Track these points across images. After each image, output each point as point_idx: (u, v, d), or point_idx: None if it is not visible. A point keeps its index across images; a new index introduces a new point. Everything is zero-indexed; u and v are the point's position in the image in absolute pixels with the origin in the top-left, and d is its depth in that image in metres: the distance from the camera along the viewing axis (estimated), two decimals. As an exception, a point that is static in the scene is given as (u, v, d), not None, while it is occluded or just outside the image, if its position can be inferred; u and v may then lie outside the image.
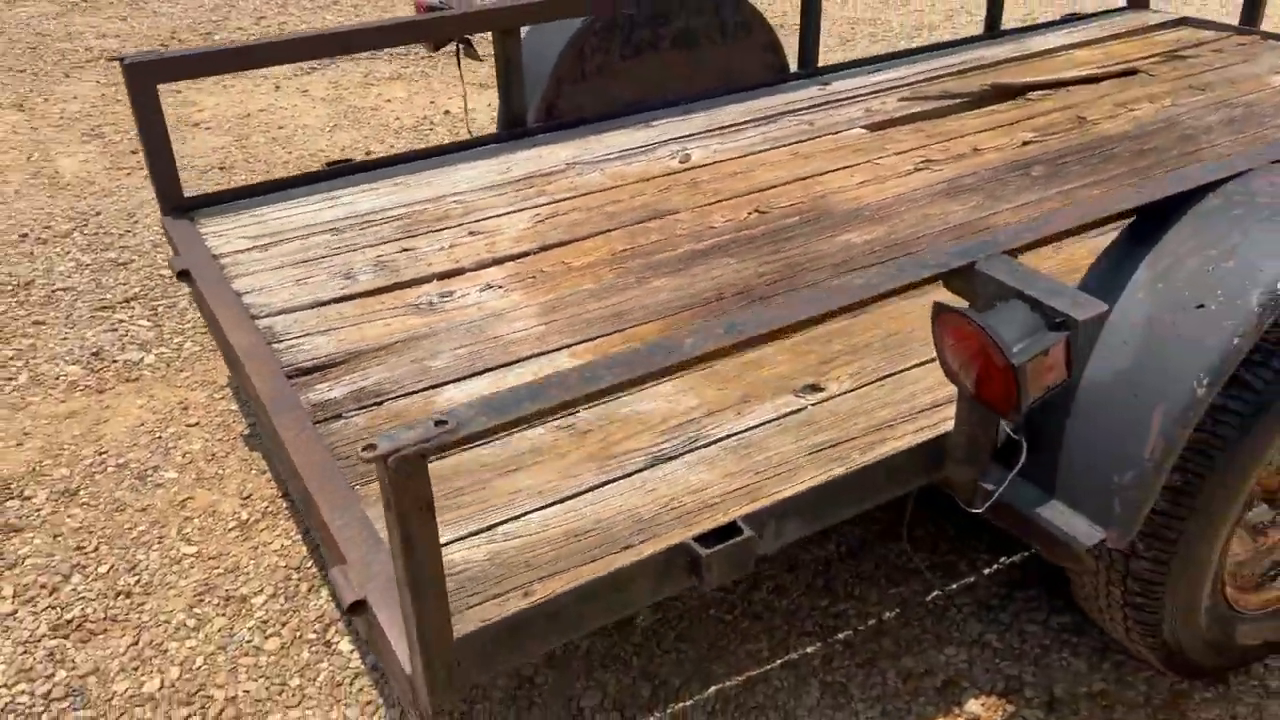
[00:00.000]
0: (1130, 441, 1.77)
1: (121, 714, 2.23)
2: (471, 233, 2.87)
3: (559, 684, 2.27)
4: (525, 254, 2.76)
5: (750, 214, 2.92)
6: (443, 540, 1.67)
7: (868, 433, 1.99)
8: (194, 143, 5.14)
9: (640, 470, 1.92)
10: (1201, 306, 1.77)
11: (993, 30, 4.23)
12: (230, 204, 3.05)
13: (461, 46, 3.31)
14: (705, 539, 1.71)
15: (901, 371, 2.17)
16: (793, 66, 3.91)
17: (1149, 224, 1.92)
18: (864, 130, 3.44)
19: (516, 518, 1.82)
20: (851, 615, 2.41)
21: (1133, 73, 3.88)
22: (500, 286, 2.61)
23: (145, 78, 2.83)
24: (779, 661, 2.30)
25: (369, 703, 2.25)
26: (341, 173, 3.21)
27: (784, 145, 3.34)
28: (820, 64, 3.90)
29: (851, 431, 2.00)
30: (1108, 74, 3.83)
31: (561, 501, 1.85)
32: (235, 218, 2.98)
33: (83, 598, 2.53)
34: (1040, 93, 3.70)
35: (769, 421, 2.03)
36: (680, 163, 3.25)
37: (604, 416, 2.07)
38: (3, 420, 3.17)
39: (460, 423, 1.33)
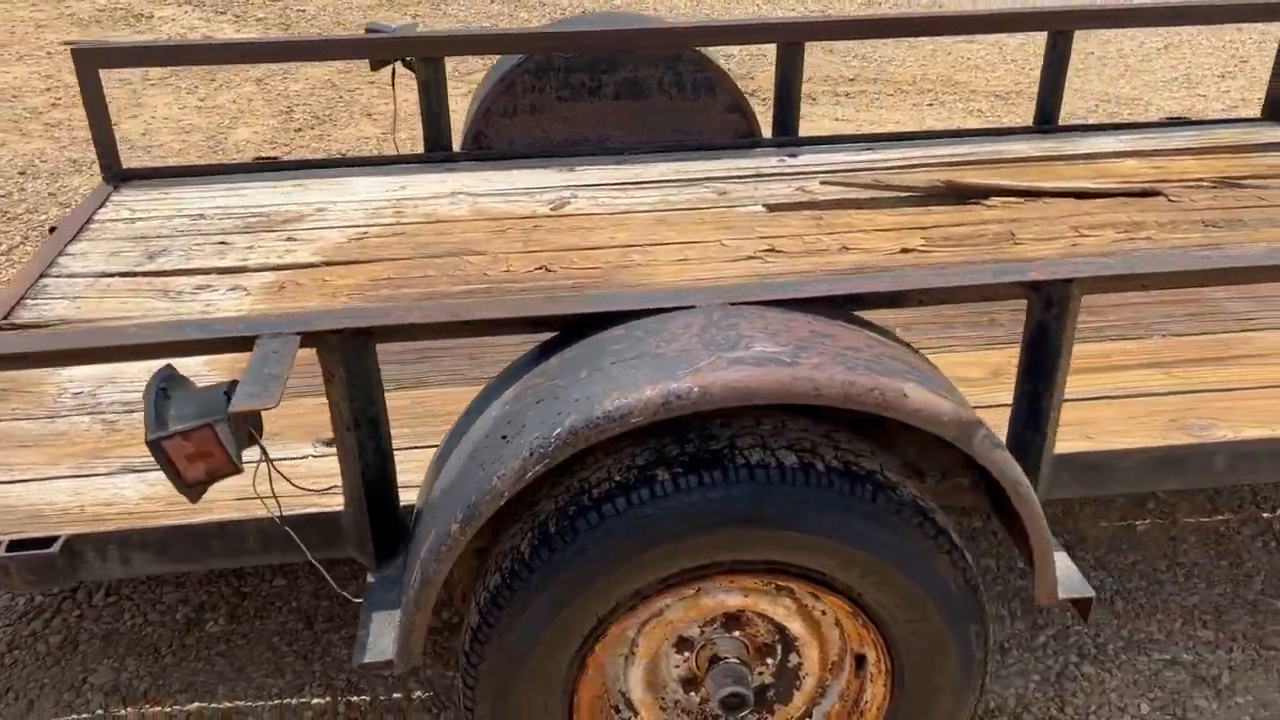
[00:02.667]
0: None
1: None
2: (291, 239, 3.07)
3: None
4: (305, 265, 2.91)
5: (536, 269, 2.87)
6: None
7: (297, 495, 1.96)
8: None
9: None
10: (505, 438, 1.59)
11: (1044, 123, 3.70)
12: (158, 180, 3.46)
13: (395, 66, 3.49)
14: (19, 544, 1.81)
15: None
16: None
17: (562, 340, 1.73)
18: (762, 209, 3.21)
19: None
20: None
21: (1152, 193, 3.26)
22: (246, 289, 2.79)
23: (90, 63, 3.30)
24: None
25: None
26: (267, 167, 3.52)
27: (663, 210, 3.21)
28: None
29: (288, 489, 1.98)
30: (1107, 191, 3.25)
31: None
32: (148, 192, 3.38)
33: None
34: (1004, 199, 3.23)
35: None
36: (551, 210, 3.23)
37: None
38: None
39: None
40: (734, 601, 1.72)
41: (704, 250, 2.97)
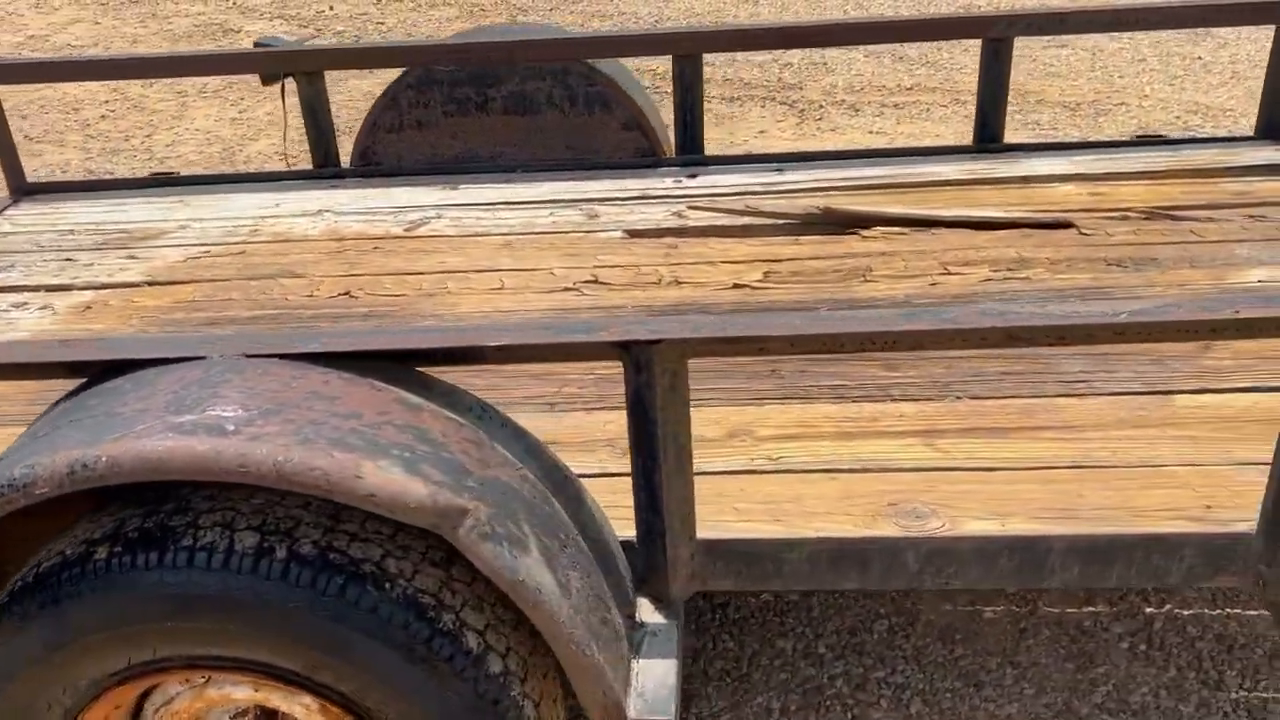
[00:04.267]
0: None
1: None
2: (132, 257, 3.02)
3: None
4: (125, 286, 2.86)
5: (340, 295, 2.72)
6: None
7: None
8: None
9: None
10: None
11: (987, 141, 3.29)
12: (59, 194, 3.50)
13: (285, 81, 3.40)
14: None
15: None
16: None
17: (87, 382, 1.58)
18: (625, 235, 2.96)
19: None
20: None
21: (1063, 225, 2.83)
22: (53, 309, 2.75)
23: (-14, 78, 3.36)
24: None
25: None
26: (164, 182, 3.51)
27: (520, 233, 3.00)
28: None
29: None
30: (1009, 221, 2.83)
31: None
32: (40, 207, 3.41)
33: None
34: (885, 229, 2.86)
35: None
36: (404, 231, 3.07)
37: None
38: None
39: None
40: (242, 695, 1.52)
41: (528, 279, 2.75)
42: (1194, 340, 1.50)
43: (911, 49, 7.07)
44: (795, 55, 7.04)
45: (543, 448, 1.60)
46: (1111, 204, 2.93)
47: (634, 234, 2.97)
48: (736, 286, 2.64)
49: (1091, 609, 2.46)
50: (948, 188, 3.11)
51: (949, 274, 2.62)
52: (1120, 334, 1.42)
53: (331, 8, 8.92)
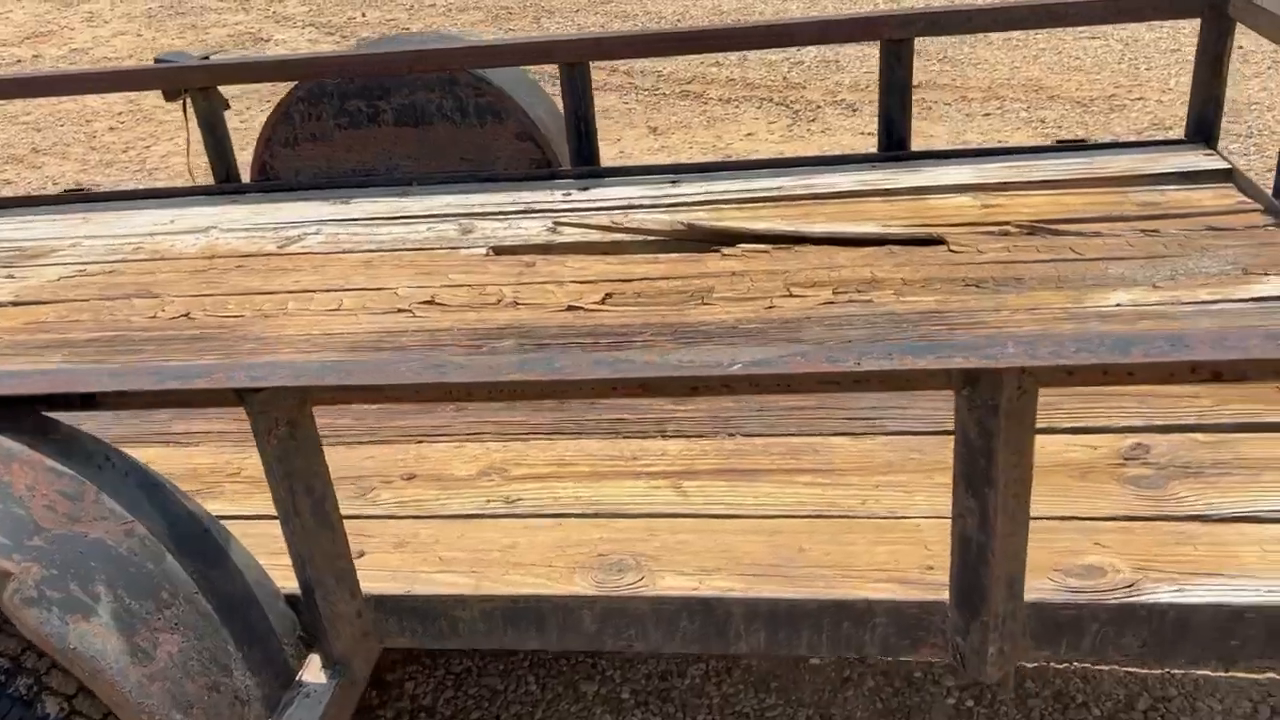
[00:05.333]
0: None
1: None
2: (10, 276, 3.05)
3: None
4: (-22, 307, 2.88)
5: (180, 316, 2.69)
6: None
7: None
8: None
9: None
10: None
11: (893, 149, 3.09)
12: (-28, 211, 3.56)
13: (187, 98, 3.39)
14: None
15: None
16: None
17: None
18: (489, 252, 2.87)
19: None
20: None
21: (934, 241, 2.63)
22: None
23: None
24: None
25: None
26: (78, 199, 3.54)
27: (389, 249, 2.94)
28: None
29: None
30: (876, 237, 2.65)
31: None
32: None
33: None
34: (748, 247, 2.71)
35: None
36: (278, 248, 3.04)
37: None
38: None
39: None
40: None
41: (369, 299, 2.68)
42: (819, 392, 1.35)
43: (931, 44, 6.80)
44: (808, 53, 6.84)
45: (177, 497, 1.52)
46: (1000, 217, 2.72)
47: (498, 251, 2.88)
48: (571, 309, 2.52)
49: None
50: (837, 200, 2.93)
51: (791, 296, 2.46)
52: (729, 386, 1.27)
53: (363, 14, 9.01)
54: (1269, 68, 6.04)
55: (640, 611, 1.55)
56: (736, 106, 6.17)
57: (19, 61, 8.38)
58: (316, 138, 3.36)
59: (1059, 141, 3.16)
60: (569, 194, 3.16)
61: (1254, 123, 5.26)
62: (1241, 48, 6.44)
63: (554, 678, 2.31)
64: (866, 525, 1.69)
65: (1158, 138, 3.26)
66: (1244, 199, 2.67)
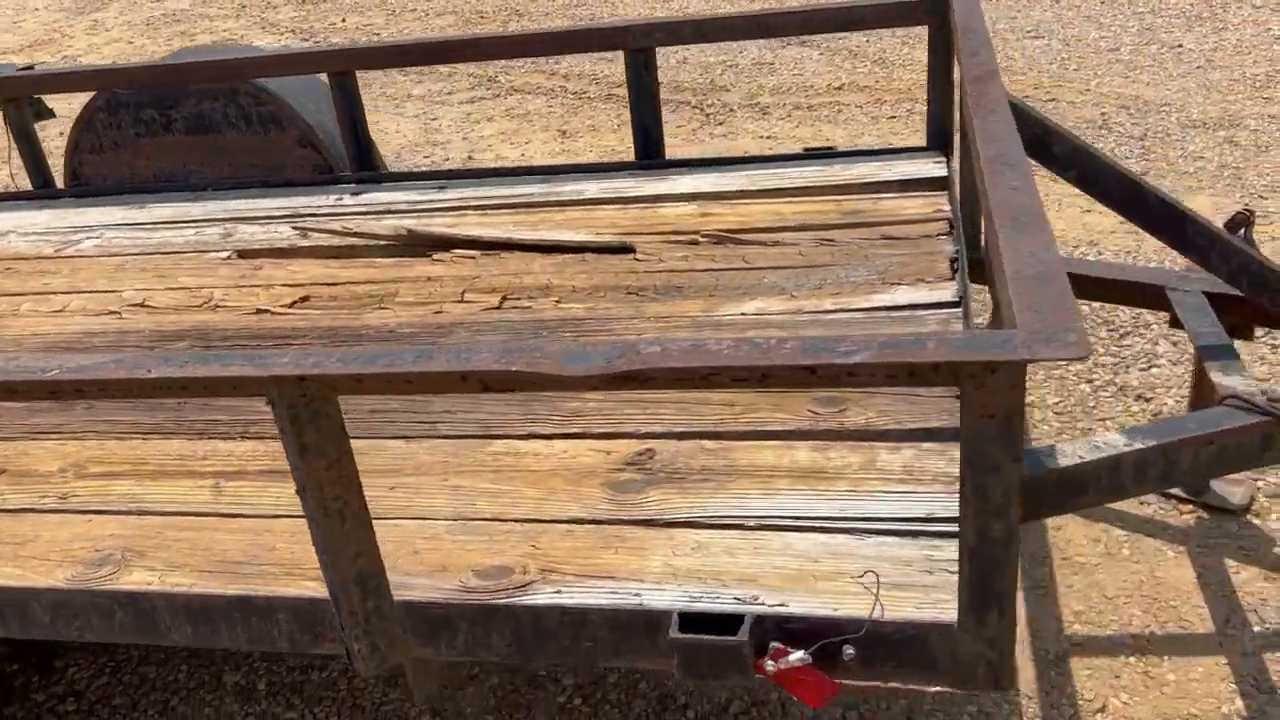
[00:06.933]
0: None
1: None
2: None
3: None
4: None
5: (-75, 315, 2.85)
6: None
7: None
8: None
9: None
10: None
11: (652, 157, 3.13)
12: None
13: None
14: None
15: None
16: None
17: None
18: (232, 255, 2.98)
19: None
20: None
21: (626, 249, 2.67)
22: None
23: None
24: None
25: None
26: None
27: (150, 253, 3.06)
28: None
29: None
30: (574, 245, 2.69)
31: None
32: None
33: None
34: (458, 252, 2.77)
35: None
36: (55, 251, 3.19)
37: None
38: None
39: None
40: None
41: (95, 302, 2.80)
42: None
43: (870, 46, 6.75)
44: (745, 56, 6.83)
45: None
46: (711, 226, 2.74)
47: (242, 254, 2.99)
48: (259, 312, 2.62)
49: (557, 659, 2.32)
50: (576, 207, 2.97)
51: (461, 302, 2.52)
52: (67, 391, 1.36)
53: (344, 20, 9.23)
54: (1199, 67, 5.88)
55: (82, 605, 1.64)
56: (653, 110, 6.20)
57: (12, 69, 8.76)
58: (119, 145, 3.51)
59: (806, 149, 3.16)
60: (341, 199, 3.26)
61: (1154, 125, 5.13)
62: (1181, 46, 6.30)
63: (204, 668, 2.41)
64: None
65: (902, 146, 3.22)
66: (941, 208, 2.65)
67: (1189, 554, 2.46)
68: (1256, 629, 2.23)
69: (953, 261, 2.38)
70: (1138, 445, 1.80)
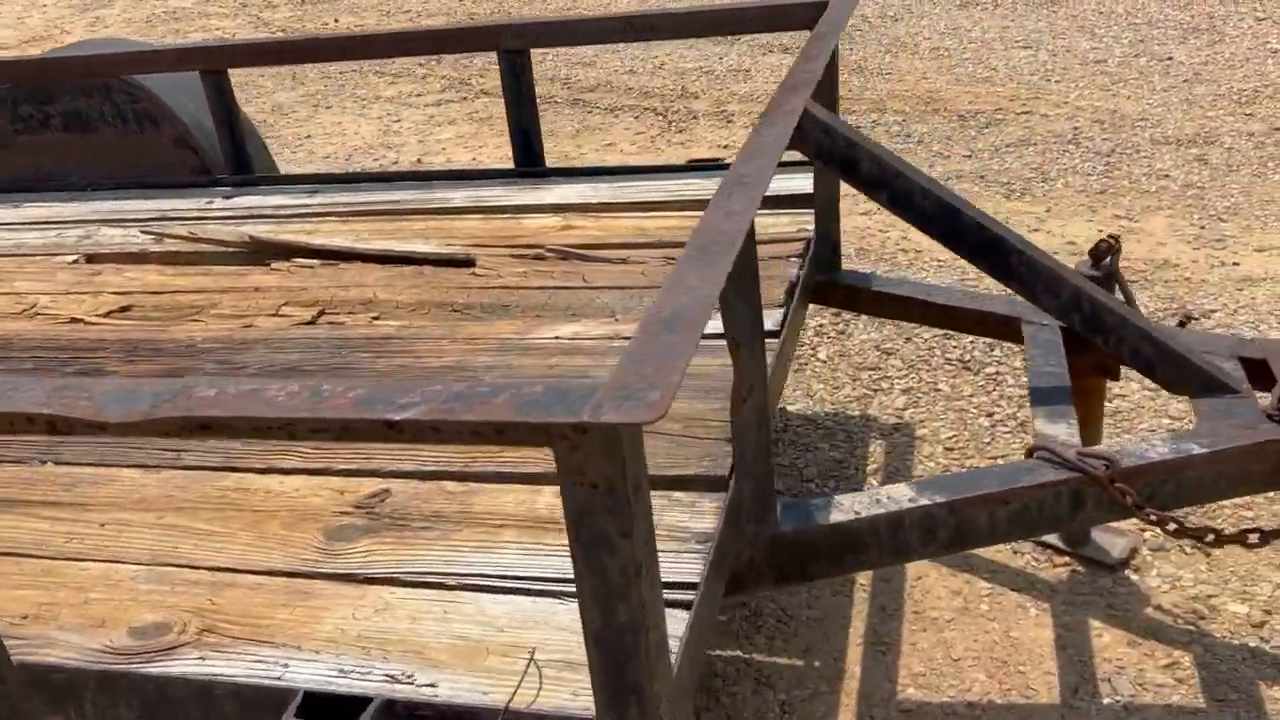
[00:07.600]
0: None
1: None
2: None
3: None
4: None
5: None
6: None
7: None
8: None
9: None
10: None
11: (532, 165, 2.95)
12: None
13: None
14: None
15: None
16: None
17: None
18: (80, 260, 2.84)
19: None
20: None
21: (468, 262, 2.49)
22: None
23: None
24: None
25: None
26: None
27: (5, 256, 2.94)
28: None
29: None
30: (417, 256, 2.53)
31: None
32: None
33: None
34: (298, 262, 2.61)
35: None
36: (-86, 252, 3.08)
37: None
38: None
39: None
40: None
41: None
42: None
43: (850, 54, 6.53)
44: (723, 61, 6.64)
45: None
46: (570, 240, 2.57)
47: (90, 259, 2.85)
48: (73, 321, 2.48)
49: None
50: (437, 216, 2.81)
51: (276, 315, 2.37)
52: None
53: (337, 20, 9.15)
54: (1185, 81, 5.61)
55: None
56: (616, 116, 6.04)
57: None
58: (3, 144, 3.40)
59: (691, 161, 2.98)
60: (211, 202, 3.12)
61: (1125, 140, 4.87)
62: (1171, 59, 6.02)
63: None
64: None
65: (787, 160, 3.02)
66: (805, 228, 2.46)
67: (1052, 611, 2.24)
68: (1106, 701, 2.02)
69: (791, 287, 2.19)
70: (924, 501, 1.60)
